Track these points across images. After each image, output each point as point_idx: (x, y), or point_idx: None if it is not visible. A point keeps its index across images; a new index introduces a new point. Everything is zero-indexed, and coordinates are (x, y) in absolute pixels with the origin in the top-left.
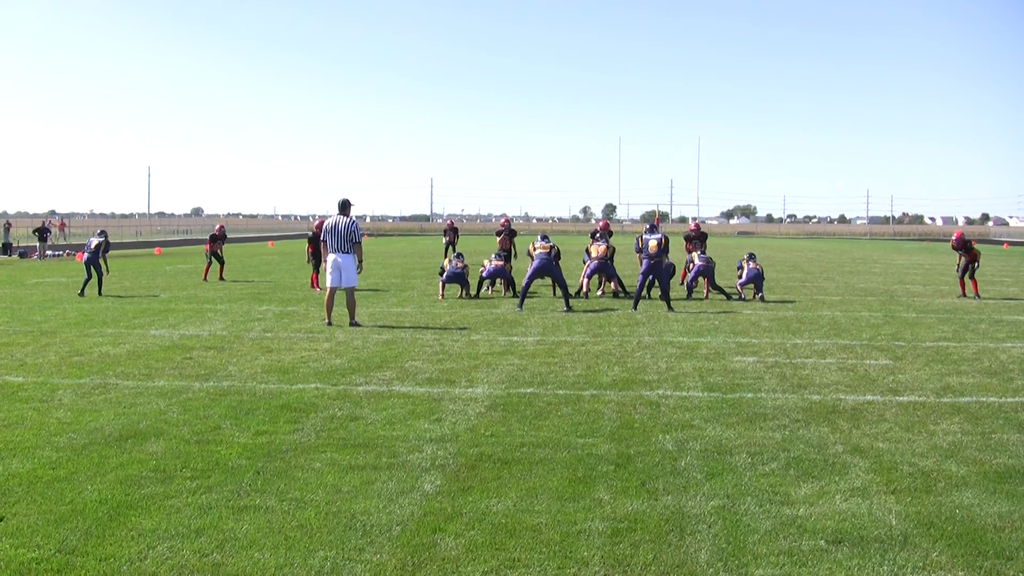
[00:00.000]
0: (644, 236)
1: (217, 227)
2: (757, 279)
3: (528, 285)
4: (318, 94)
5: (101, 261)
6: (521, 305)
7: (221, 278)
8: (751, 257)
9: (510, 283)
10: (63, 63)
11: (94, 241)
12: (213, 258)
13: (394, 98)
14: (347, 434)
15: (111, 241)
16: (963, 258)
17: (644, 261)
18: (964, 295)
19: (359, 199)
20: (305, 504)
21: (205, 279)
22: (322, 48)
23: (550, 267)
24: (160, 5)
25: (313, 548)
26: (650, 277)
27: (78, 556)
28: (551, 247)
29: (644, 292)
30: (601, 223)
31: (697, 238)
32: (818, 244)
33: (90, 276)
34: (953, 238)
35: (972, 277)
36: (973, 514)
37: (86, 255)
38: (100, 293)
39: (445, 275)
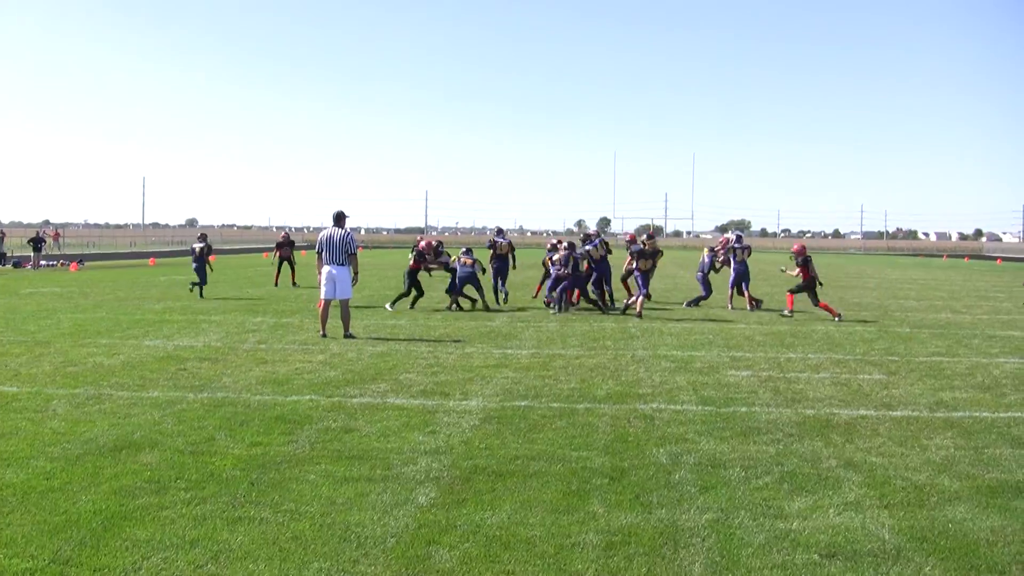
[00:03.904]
0: (585, 247)
1: (282, 234)
2: (744, 277)
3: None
4: (313, 105)
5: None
6: (561, 308)
7: (294, 283)
8: (739, 239)
9: (480, 291)
10: (58, 73)
11: (197, 246)
12: (286, 263)
13: (390, 110)
14: (341, 446)
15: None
16: (799, 273)
17: (591, 268)
18: (792, 310)
19: (354, 211)
20: (299, 516)
21: (276, 284)
22: (317, 59)
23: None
24: (155, 16)
25: (307, 560)
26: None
27: (72, 566)
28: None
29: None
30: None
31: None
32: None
33: (202, 279)
34: (793, 249)
35: (795, 293)
36: (966, 528)
37: (194, 263)
38: (201, 295)
39: (457, 279)
